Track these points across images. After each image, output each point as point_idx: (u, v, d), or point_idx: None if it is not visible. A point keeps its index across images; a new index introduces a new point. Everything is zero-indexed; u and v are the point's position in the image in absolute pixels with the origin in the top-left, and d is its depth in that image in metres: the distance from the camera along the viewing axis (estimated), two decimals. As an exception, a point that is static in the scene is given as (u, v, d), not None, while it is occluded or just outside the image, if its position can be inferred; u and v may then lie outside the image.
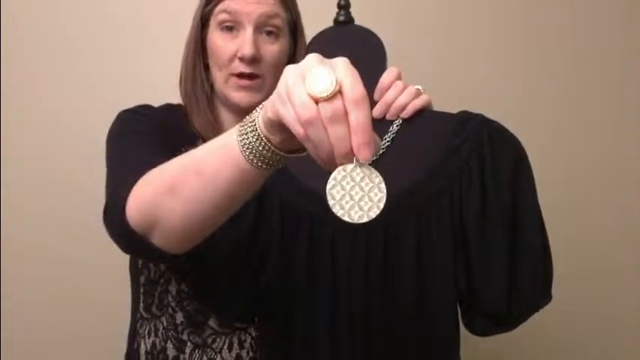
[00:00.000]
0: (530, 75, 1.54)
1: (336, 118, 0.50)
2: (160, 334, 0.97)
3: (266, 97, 0.97)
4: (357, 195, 0.52)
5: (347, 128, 0.50)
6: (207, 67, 1.03)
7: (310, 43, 0.94)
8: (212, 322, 0.95)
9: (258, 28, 0.97)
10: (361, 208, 0.52)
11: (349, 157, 0.50)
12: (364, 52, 0.91)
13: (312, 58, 0.54)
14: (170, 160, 0.70)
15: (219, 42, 0.98)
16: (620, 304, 1.56)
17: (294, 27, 1.03)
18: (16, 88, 1.41)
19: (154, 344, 0.98)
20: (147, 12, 1.43)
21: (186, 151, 0.80)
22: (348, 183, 0.51)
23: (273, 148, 0.58)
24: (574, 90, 1.55)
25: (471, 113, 0.89)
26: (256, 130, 0.58)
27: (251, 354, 0.95)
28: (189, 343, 0.95)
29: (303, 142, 0.53)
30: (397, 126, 0.88)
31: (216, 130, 1.00)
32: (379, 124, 0.88)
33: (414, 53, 1.46)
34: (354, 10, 0.94)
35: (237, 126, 0.61)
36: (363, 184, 0.51)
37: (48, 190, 1.42)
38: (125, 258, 1.02)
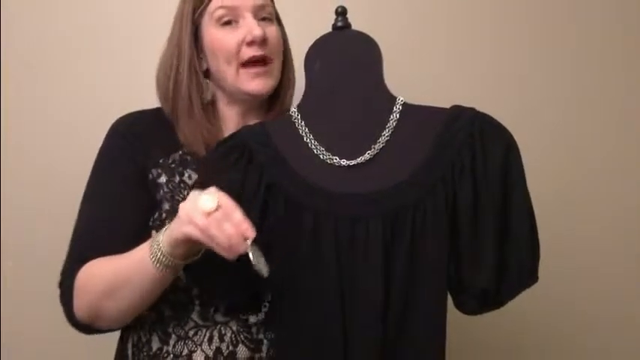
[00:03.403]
0: (531, 75, 1.52)
1: (223, 221, 0.78)
2: (145, 327, 0.99)
3: (274, 84, 1.03)
4: (261, 259, 0.81)
5: (232, 225, 0.78)
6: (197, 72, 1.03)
7: (311, 47, 0.97)
8: (195, 316, 0.97)
9: (255, 17, 1.01)
10: (265, 266, 0.81)
11: (244, 239, 0.79)
12: (361, 55, 0.95)
13: (195, 193, 0.82)
14: (104, 266, 0.93)
15: (221, 36, 1.00)
16: (619, 303, 1.50)
17: (278, 19, 1.08)
18: (16, 87, 1.41)
19: (139, 337, 0.99)
20: (147, 12, 1.43)
21: (166, 161, 1.00)
22: (254, 252, 0.80)
23: (175, 260, 0.86)
24: (575, 90, 1.53)
25: (463, 107, 0.92)
26: (162, 250, 0.86)
27: (230, 347, 0.96)
28: (173, 336, 0.97)
29: (208, 244, 0.79)
30: (395, 121, 0.93)
31: (207, 139, 1.01)
32: (378, 115, 0.93)
33: (411, 56, 1.47)
34: (353, 17, 0.98)
35: (147, 246, 0.88)
36: (258, 254, 0.81)
37: (46, 189, 1.40)
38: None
